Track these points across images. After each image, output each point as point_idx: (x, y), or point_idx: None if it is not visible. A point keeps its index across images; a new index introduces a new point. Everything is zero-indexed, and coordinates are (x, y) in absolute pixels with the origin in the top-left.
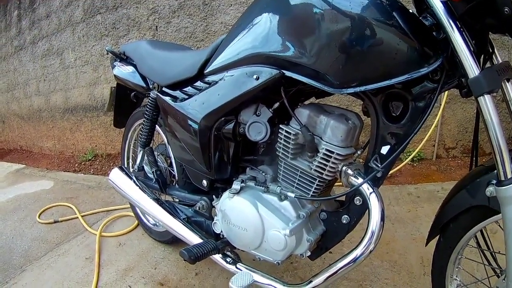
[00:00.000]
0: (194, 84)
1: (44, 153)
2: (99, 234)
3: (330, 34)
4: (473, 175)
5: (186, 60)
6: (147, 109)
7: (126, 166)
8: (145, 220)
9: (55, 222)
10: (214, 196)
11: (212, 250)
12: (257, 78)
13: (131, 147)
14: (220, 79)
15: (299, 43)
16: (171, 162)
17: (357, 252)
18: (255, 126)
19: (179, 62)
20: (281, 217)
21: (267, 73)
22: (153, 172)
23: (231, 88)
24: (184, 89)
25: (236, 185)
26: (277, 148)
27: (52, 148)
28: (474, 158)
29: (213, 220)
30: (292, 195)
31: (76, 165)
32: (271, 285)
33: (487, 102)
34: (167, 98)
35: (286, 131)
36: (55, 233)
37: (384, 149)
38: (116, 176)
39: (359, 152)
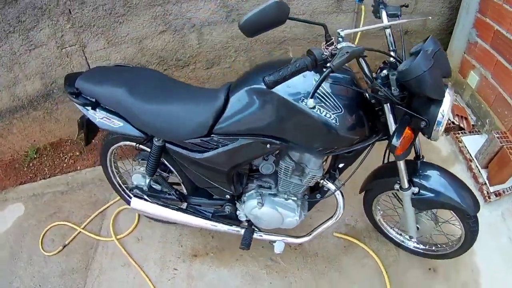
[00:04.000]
0: (205, 140)
1: None
2: (116, 239)
3: (319, 135)
4: (389, 171)
5: (190, 120)
6: (152, 153)
7: (119, 189)
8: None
9: (64, 247)
10: (237, 203)
11: (252, 234)
12: (269, 146)
13: (115, 172)
14: (235, 141)
15: (300, 134)
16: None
17: (332, 220)
18: (266, 166)
19: (183, 121)
20: (290, 210)
21: (277, 144)
22: (172, 194)
23: (249, 151)
24: (195, 143)
25: (258, 199)
26: (279, 174)
27: None
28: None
29: (235, 212)
30: (295, 198)
31: (25, 169)
32: (285, 240)
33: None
34: (181, 150)
35: (285, 166)
36: (75, 258)
37: (340, 165)
38: (138, 204)
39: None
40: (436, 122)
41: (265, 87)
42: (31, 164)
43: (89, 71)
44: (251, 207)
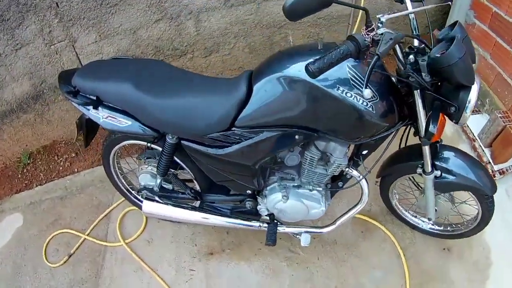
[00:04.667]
0: (226, 135)
1: None
2: (125, 244)
3: (354, 123)
4: (409, 155)
5: (209, 113)
6: (165, 152)
7: (125, 191)
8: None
9: (70, 256)
10: (258, 197)
11: (276, 229)
12: (298, 137)
13: (119, 173)
14: (260, 134)
15: (334, 123)
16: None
17: (356, 209)
18: (292, 158)
19: (200, 116)
20: (315, 201)
21: (306, 134)
22: (187, 193)
23: (276, 143)
24: (214, 138)
25: (283, 192)
26: (303, 165)
27: None
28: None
29: (256, 207)
30: (320, 189)
31: (19, 176)
32: (309, 231)
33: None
34: (198, 147)
35: (311, 157)
36: (82, 267)
37: (364, 152)
38: (150, 207)
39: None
40: (466, 107)
41: (292, 74)
42: (25, 171)
43: (86, 66)
44: (275, 201)
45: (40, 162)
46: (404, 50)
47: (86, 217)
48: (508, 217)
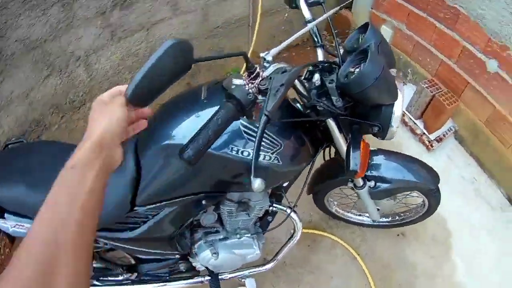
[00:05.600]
0: (130, 216)
1: None
2: None
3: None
4: (336, 168)
5: (105, 201)
6: None
7: None
8: None
9: None
10: (190, 258)
11: (219, 281)
12: (206, 202)
13: None
14: (165, 209)
15: (237, 183)
16: None
17: (294, 240)
18: (207, 217)
19: None
20: (248, 247)
21: (213, 197)
22: (120, 272)
23: (184, 213)
24: (120, 222)
25: (211, 250)
26: (223, 217)
27: None
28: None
29: (191, 265)
30: (249, 234)
31: None
32: (252, 271)
33: None
34: (106, 234)
35: (228, 209)
36: None
37: (285, 184)
38: None
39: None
40: (391, 123)
41: (177, 142)
42: None
43: None
44: (207, 259)
45: None
46: (306, 72)
47: None
48: (454, 182)
